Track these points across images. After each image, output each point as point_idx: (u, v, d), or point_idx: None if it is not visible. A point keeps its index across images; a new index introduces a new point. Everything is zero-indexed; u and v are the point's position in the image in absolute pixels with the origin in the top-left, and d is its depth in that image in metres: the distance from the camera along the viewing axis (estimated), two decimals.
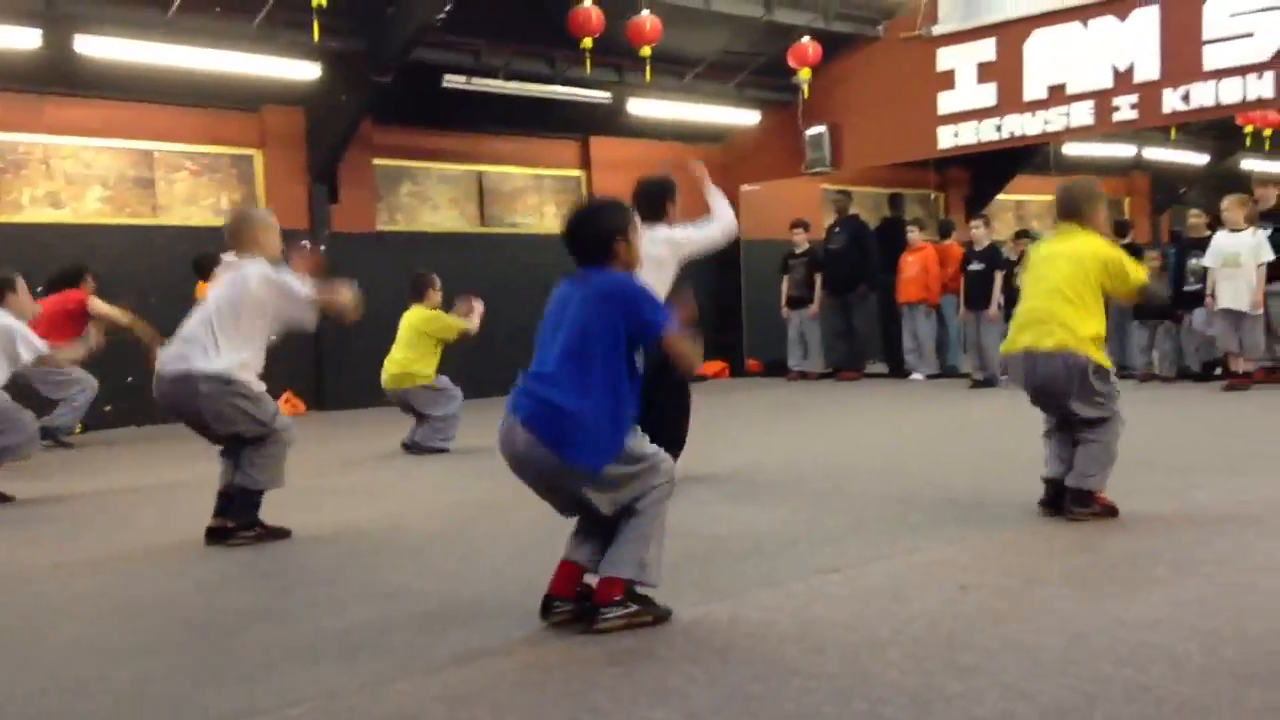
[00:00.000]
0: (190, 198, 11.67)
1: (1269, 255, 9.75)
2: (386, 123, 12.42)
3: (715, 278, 14.70)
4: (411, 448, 8.17)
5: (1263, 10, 10.91)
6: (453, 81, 11.92)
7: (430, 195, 13.40)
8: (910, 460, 7.00)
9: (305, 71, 11.07)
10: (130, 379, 10.32)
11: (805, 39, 12.92)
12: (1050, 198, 5.33)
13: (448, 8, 10.41)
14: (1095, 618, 3.33)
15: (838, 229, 13.74)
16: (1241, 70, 11.08)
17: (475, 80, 12.03)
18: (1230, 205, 9.98)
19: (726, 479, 6.38)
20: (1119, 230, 11.73)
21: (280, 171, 12.00)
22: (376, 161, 12.64)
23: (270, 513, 5.15)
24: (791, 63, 13.02)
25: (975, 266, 11.96)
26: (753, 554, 4.38)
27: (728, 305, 14.92)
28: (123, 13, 10.05)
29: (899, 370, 13.51)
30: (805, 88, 13.39)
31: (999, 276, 11.60)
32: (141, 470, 7.93)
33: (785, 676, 2.94)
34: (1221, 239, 10.05)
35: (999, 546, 4.40)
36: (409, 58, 11.14)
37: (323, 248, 11.32)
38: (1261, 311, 9.87)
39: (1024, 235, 12.84)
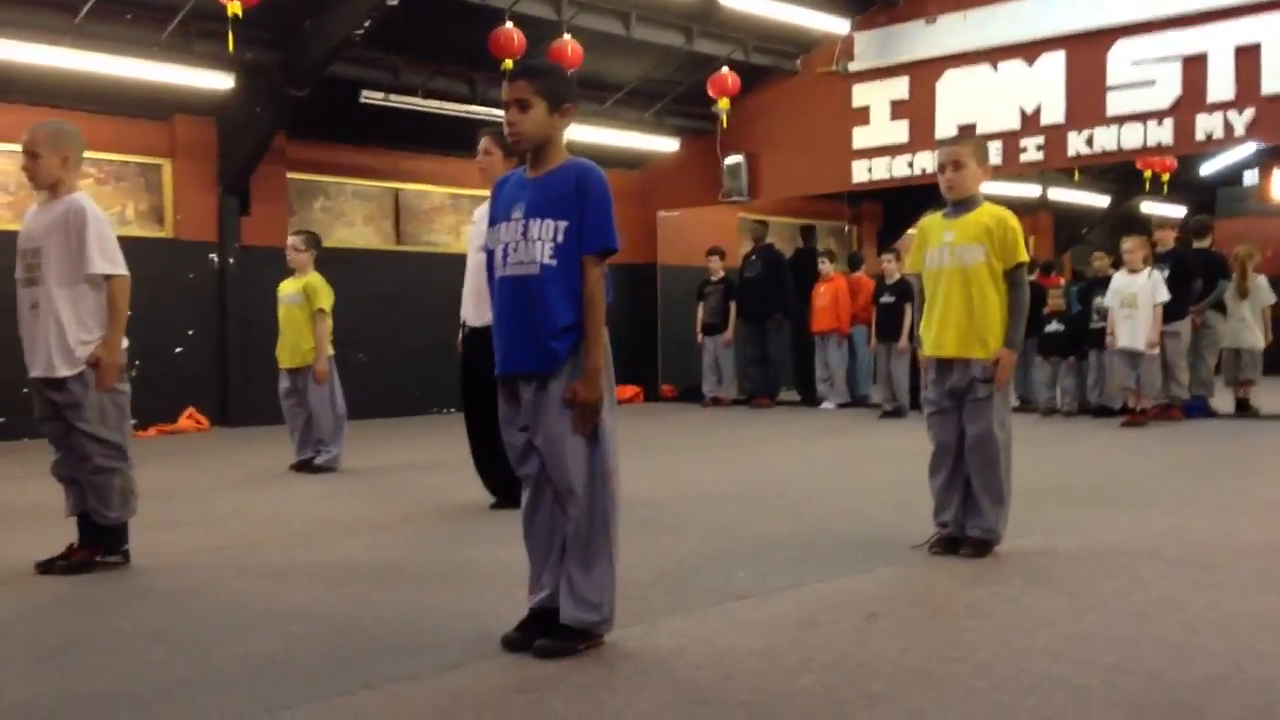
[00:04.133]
0: None
1: (1164, 296, 10.07)
2: (302, 136, 12.24)
3: (631, 302, 14.76)
4: (310, 467, 8.00)
5: (1163, 60, 11.34)
6: (371, 97, 11.80)
7: (344, 211, 13.22)
8: (821, 489, 7.07)
9: (218, 82, 10.88)
10: None
11: (725, 70, 13.09)
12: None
13: (367, 24, 10.34)
14: (998, 648, 3.38)
15: (754, 257, 13.89)
16: (1142, 116, 11.50)
17: (394, 97, 11.93)
18: (1131, 247, 10.24)
19: (638, 505, 6.36)
20: (1028, 267, 12.06)
21: (189, 182, 11.76)
22: (290, 175, 12.45)
23: (169, 532, 5.00)
24: (711, 92, 13.18)
25: (886, 299, 12.18)
26: (664, 580, 4.38)
27: (643, 330, 14.98)
28: (29, 16, 9.77)
29: (811, 398, 13.68)
30: (724, 117, 13.55)
31: (909, 309, 11.82)
32: (16, 487, 7.63)
33: (696, 704, 2.94)
34: (1120, 280, 10.31)
35: (906, 576, 4.46)
36: (326, 72, 11.02)
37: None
38: (1158, 351, 10.19)
39: None
